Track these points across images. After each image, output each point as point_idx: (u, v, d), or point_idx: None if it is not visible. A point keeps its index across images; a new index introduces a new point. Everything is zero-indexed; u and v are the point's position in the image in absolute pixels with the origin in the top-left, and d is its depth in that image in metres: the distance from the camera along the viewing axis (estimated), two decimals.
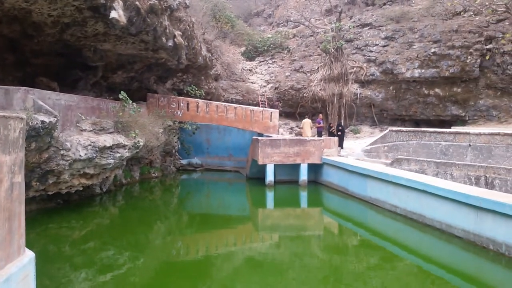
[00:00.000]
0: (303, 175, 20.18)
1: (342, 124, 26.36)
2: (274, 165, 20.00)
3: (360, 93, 28.81)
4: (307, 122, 24.93)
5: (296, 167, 20.33)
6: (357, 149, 22.04)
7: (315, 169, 20.65)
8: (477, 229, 10.98)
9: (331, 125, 26.39)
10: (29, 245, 5.81)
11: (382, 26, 29.24)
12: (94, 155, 13.76)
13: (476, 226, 11.00)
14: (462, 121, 26.11)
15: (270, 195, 18.94)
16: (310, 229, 14.43)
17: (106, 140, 14.53)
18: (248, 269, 10.35)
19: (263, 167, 20.14)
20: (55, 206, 14.63)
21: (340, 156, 20.71)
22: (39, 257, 6.04)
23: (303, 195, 19.07)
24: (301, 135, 25.44)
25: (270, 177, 20.01)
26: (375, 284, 9.10)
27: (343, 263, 10.56)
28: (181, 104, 23.43)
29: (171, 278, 9.45)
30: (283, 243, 12.55)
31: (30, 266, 5.49)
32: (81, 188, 14.82)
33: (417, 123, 27.90)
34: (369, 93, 28.72)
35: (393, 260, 10.89)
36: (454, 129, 20.38)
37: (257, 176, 21.41)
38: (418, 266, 10.19)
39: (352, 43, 29.81)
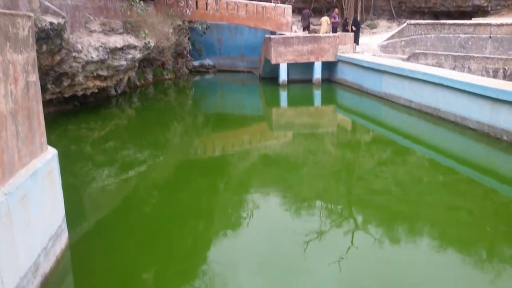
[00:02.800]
0: (317, 74, 19.92)
1: (358, 19, 25.29)
2: (288, 64, 19.68)
3: None
4: (324, 20, 23.97)
5: (310, 65, 20.00)
6: (373, 45, 21.42)
7: (329, 67, 20.30)
8: (492, 120, 10.99)
9: (347, 20, 25.37)
10: (51, 145, 6.02)
11: None
12: (106, 57, 13.65)
13: (491, 117, 11.00)
14: (484, 12, 24.82)
15: (283, 95, 18.92)
16: (323, 126, 14.59)
17: (117, 41, 14.29)
18: (264, 166, 10.69)
19: (276, 66, 19.85)
20: (72, 108, 14.89)
21: (355, 52, 20.20)
22: (61, 157, 6.30)
23: (317, 93, 18.99)
24: (316, 32, 24.65)
25: (283, 76, 19.81)
26: (387, 177, 9.39)
27: (355, 158, 10.81)
28: (190, 2, 22.54)
29: (190, 174, 9.84)
30: (297, 141, 12.79)
31: (53, 162, 5.74)
32: (97, 90, 14.93)
33: (437, 15, 26.64)
34: None
35: (405, 153, 11.10)
36: (474, 20, 19.46)
37: (270, 76, 21.21)
38: (430, 159, 10.39)
39: None
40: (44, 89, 11.98)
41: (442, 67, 15.79)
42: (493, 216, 7.41)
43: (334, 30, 24.14)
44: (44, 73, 11.85)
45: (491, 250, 6.30)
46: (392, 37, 20.25)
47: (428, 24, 18.77)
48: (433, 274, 5.60)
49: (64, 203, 6.13)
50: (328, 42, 19.65)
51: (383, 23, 28.32)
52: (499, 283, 5.47)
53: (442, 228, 6.96)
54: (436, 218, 7.27)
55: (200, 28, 23.91)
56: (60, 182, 6.04)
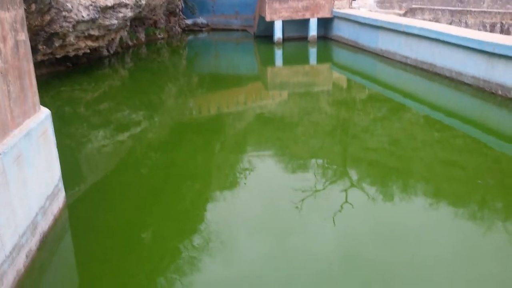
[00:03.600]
0: (313, 31, 19.61)
1: None
2: (282, 21, 19.34)
3: None
4: None
5: (305, 22, 19.65)
6: (370, 0, 21.00)
7: (325, 23, 19.97)
8: (487, 75, 10.96)
9: None
10: (44, 107, 5.97)
11: None
12: (97, 16, 13.34)
13: (487, 72, 10.96)
14: None
15: (278, 53, 18.69)
16: (319, 85, 14.50)
17: None
18: (259, 125, 10.69)
19: (271, 24, 19.50)
20: (65, 70, 14.69)
21: (351, 8, 19.81)
22: (55, 119, 6.26)
23: (312, 51, 18.77)
24: None
25: (278, 34, 19.50)
26: (382, 134, 9.41)
27: (351, 116, 10.81)
28: None
29: (186, 135, 9.84)
30: (293, 100, 12.73)
31: (47, 122, 5.70)
32: (89, 51, 14.69)
33: None
34: None
35: (401, 110, 11.09)
36: None
37: (265, 34, 20.88)
38: (425, 116, 10.39)
39: None
40: (35, 50, 11.77)
41: (439, 22, 15.55)
42: (486, 170, 7.49)
43: None
44: (34, 33, 11.60)
45: (483, 203, 6.41)
46: None
47: None
48: (427, 228, 5.71)
49: (60, 163, 6.15)
50: None
51: None
52: (490, 234, 5.59)
53: (436, 182, 7.04)
54: (430, 173, 7.36)
55: None
56: (55, 142, 6.02)
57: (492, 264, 4.93)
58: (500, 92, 10.57)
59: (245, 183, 7.30)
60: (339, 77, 15.47)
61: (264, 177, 7.57)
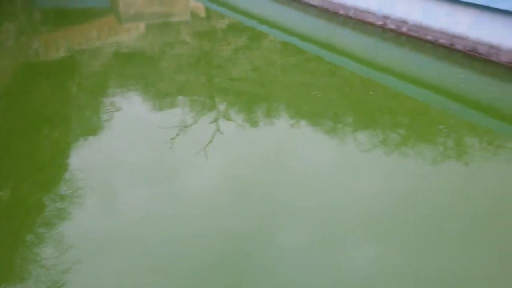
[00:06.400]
0: None
1: None
2: None
3: None
4: None
5: None
6: None
7: None
8: None
9: None
10: None
11: None
12: None
13: None
14: None
15: None
16: (176, 15, 14.04)
17: None
18: (119, 62, 10.09)
19: None
20: None
21: None
22: None
23: None
24: None
25: None
26: (244, 63, 9.62)
27: (213, 47, 10.78)
28: None
29: (35, 79, 8.88)
30: (151, 32, 12.18)
31: None
32: None
33: None
34: None
35: (261, 38, 11.38)
36: None
37: None
38: (283, 42, 10.85)
39: None
40: None
41: None
42: (337, 89, 8.21)
43: None
44: None
45: (336, 119, 7.09)
46: None
47: None
48: (294, 144, 6.16)
49: None
50: None
51: None
52: (342, 146, 6.26)
53: (296, 103, 7.56)
54: (291, 96, 7.85)
55: None
56: None
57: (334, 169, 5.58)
58: (341, 12, 11.41)
59: (110, 126, 6.90)
60: (197, 5, 15.10)
61: (131, 117, 7.25)
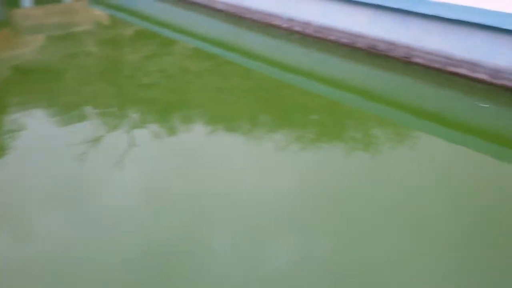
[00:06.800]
0: None
1: None
2: None
3: None
4: None
5: None
6: None
7: None
8: (234, 0, 11.97)
9: None
10: None
11: None
12: None
13: None
14: None
15: None
16: (79, 24, 13.39)
17: None
18: (19, 78, 9.40)
19: None
20: None
21: None
22: None
23: None
24: None
25: None
26: (156, 70, 9.43)
27: (121, 56, 10.45)
28: None
29: None
30: (53, 44, 11.51)
31: None
32: None
33: None
34: None
35: (169, 44, 11.24)
36: None
37: None
38: (196, 48, 10.81)
39: None
40: None
41: None
42: (251, 91, 8.35)
43: None
44: None
45: (253, 120, 7.20)
46: None
47: None
48: (210, 149, 6.16)
49: None
50: None
51: None
52: (260, 146, 6.38)
53: (212, 108, 7.56)
54: (206, 101, 7.83)
55: None
56: None
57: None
58: (248, 16, 11.66)
59: (12, 147, 6.43)
60: (100, 14, 14.54)
61: (37, 136, 6.82)
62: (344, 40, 9.56)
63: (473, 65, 7.53)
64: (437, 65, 8.04)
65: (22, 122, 7.15)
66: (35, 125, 7.14)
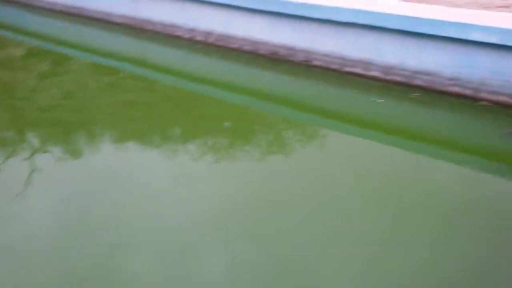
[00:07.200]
0: None
1: None
2: None
3: None
4: None
5: None
6: None
7: None
8: (133, 12, 11.69)
9: None
10: None
11: None
12: None
13: (132, 10, 11.67)
14: None
15: None
16: None
17: None
18: None
19: None
20: None
21: None
22: None
23: None
24: None
25: None
26: (52, 90, 8.91)
27: (13, 78, 9.71)
28: None
29: None
30: None
31: None
32: None
33: None
34: None
35: (66, 61, 10.68)
36: None
37: None
38: (95, 64, 10.38)
39: None
40: None
41: None
42: (159, 104, 8.20)
43: None
44: None
45: (164, 133, 7.08)
46: None
47: None
48: (122, 168, 5.95)
49: None
50: None
51: None
52: (176, 159, 6.30)
53: (119, 124, 7.32)
54: (113, 118, 7.56)
55: None
56: None
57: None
58: (149, 27, 11.48)
59: None
60: None
61: None
62: (247, 48, 9.77)
63: (367, 64, 8.09)
64: (335, 66, 8.51)
65: None
66: None
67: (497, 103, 6.94)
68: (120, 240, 4.55)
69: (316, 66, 8.76)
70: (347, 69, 8.37)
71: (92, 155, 6.48)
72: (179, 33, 11.02)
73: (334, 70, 8.53)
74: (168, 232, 4.65)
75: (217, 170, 5.91)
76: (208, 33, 10.43)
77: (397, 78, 7.83)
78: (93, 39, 11.79)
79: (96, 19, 12.55)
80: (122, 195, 5.33)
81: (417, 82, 7.64)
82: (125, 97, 8.45)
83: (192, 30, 10.72)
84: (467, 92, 7.19)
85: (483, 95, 7.05)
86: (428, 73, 7.49)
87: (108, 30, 12.01)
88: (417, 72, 7.60)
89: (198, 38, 10.64)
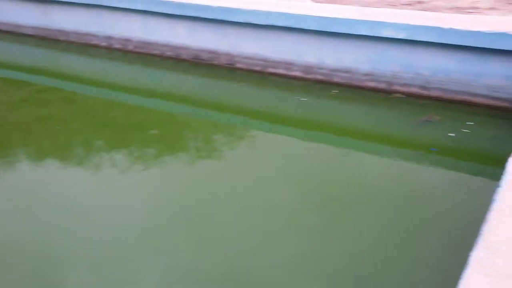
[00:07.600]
0: None
1: None
2: None
3: None
4: None
5: None
6: None
7: None
8: (45, 23, 11.12)
9: None
10: None
11: None
12: None
13: (44, 20, 11.10)
14: None
15: None
16: None
17: None
18: None
19: None
20: None
21: None
22: None
23: None
24: None
25: None
26: None
27: None
28: None
29: None
30: None
31: None
32: None
33: None
34: None
35: None
36: None
37: None
38: (4, 78, 9.73)
39: None
40: None
41: None
42: (80, 116, 7.84)
43: None
44: None
45: (85, 145, 6.79)
46: None
47: None
48: (44, 186, 5.64)
49: None
50: None
51: None
52: (100, 172, 6.08)
53: (37, 140, 6.91)
54: (29, 133, 7.12)
55: None
56: None
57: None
58: (62, 38, 10.99)
59: None
60: None
61: None
62: (169, 53, 9.66)
63: (288, 64, 8.34)
64: (257, 68, 8.67)
65: None
66: None
67: (409, 95, 7.46)
68: (49, 257, 4.31)
69: (239, 69, 8.87)
70: (270, 70, 8.57)
71: (8, 175, 6.05)
72: (95, 41, 10.64)
73: (257, 72, 8.69)
74: (100, 246, 4.47)
75: (147, 179, 5.77)
76: (127, 41, 10.18)
77: (318, 77, 8.14)
78: (2, 52, 11.06)
79: (3, 32, 11.81)
80: (47, 212, 5.03)
81: (336, 79, 8.00)
82: (41, 111, 7.98)
83: (109, 38, 10.40)
84: (382, 86, 7.65)
85: (396, 87, 7.54)
86: (345, 70, 7.88)
87: (18, 42, 11.33)
88: (335, 70, 7.96)
89: (116, 46, 10.35)
